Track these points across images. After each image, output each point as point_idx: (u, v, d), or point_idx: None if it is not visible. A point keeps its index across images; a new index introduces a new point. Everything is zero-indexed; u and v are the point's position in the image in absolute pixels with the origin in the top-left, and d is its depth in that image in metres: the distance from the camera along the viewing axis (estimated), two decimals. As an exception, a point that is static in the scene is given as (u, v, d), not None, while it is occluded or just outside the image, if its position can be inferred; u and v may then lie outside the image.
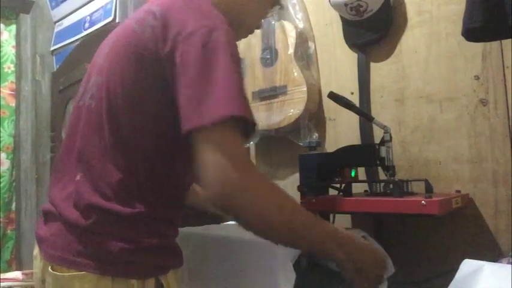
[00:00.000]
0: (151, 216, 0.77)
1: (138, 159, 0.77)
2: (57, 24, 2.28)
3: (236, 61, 0.72)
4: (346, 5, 1.34)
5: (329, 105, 1.48)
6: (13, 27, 2.34)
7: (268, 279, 0.91)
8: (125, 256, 0.75)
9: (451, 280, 0.78)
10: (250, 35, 1.60)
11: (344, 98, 1.21)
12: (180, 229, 1.06)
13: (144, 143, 0.78)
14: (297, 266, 0.91)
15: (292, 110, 1.44)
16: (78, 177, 0.79)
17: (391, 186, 1.06)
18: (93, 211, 0.76)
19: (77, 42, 1.96)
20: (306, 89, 1.42)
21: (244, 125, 0.71)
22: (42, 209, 0.86)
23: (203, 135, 0.67)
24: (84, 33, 2.02)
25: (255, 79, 1.54)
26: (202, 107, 0.67)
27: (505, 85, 1.16)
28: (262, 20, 1.08)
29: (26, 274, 1.81)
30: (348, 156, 1.13)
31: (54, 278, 0.77)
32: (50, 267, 0.78)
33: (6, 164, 2.24)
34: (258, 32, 1.56)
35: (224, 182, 0.66)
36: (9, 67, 2.32)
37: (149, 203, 0.77)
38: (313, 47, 1.54)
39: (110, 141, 0.77)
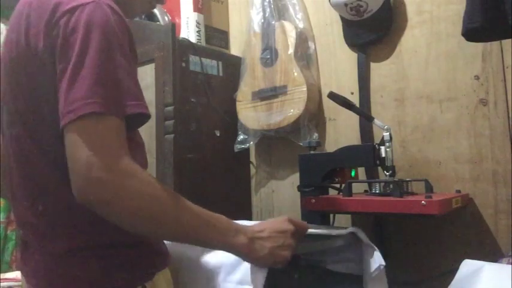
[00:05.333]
0: (114, 237, 0.74)
1: None
2: (57, 24, 2.28)
3: (109, 46, 0.66)
4: (346, 5, 1.34)
5: (329, 105, 1.48)
6: (13, 27, 2.33)
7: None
8: (103, 275, 0.73)
9: (451, 280, 0.78)
10: (250, 35, 1.59)
11: (344, 97, 1.21)
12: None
13: None
14: (295, 266, 0.90)
15: (292, 110, 1.44)
16: (40, 208, 0.75)
17: (391, 186, 1.06)
18: (64, 241, 0.74)
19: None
20: (306, 89, 1.42)
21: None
22: (20, 236, 0.83)
23: (68, 131, 0.63)
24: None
25: (255, 79, 1.54)
26: (68, 104, 0.62)
27: (505, 85, 1.16)
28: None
29: (25, 274, 1.80)
30: (348, 156, 1.13)
31: None
32: None
33: (7, 164, 2.24)
34: (258, 32, 1.56)
35: (88, 175, 0.60)
36: (9, 67, 2.31)
37: (106, 227, 0.69)
38: (313, 47, 1.54)
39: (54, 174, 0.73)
